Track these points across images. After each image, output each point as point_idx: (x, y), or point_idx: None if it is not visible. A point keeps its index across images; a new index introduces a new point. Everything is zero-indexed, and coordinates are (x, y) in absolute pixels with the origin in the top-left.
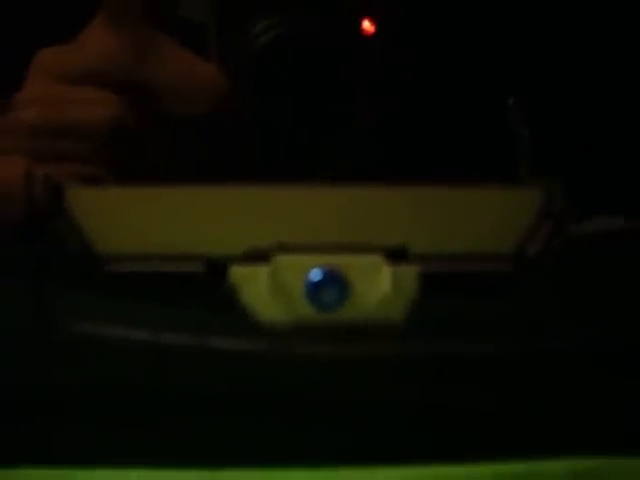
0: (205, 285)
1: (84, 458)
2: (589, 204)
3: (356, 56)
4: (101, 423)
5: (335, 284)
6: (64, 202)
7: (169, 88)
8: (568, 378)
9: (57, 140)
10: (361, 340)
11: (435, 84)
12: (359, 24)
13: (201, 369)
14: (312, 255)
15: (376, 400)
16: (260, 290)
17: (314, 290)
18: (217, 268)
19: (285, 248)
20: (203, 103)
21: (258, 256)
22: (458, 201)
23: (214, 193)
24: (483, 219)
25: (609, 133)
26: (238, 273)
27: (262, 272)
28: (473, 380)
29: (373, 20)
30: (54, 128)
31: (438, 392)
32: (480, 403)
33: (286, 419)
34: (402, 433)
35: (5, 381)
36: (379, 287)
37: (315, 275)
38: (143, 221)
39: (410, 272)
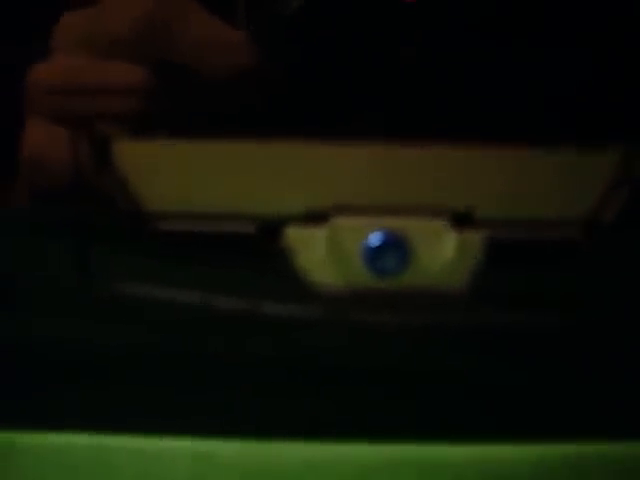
0: (258, 247)
1: (127, 423)
2: None
3: (393, 23)
4: (146, 387)
5: (396, 249)
6: (111, 156)
7: (196, 54)
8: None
9: (81, 102)
10: (421, 308)
11: (483, 44)
12: None
13: (252, 335)
14: (372, 218)
15: (434, 370)
16: (316, 254)
17: (373, 255)
18: (271, 229)
19: (344, 210)
20: (231, 70)
21: (315, 218)
22: (527, 163)
23: (269, 150)
24: (554, 183)
25: None
26: (293, 235)
27: (319, 235)
28: (535, 353)
29: None
30: (79, 90)
31: (497, 364)
32: (540, 377)
33: (342, 388)
34: (459, 405)
35: (49, 339)
36: (442, 253)
37: (375, 239)
38: (194, 178)
39: (475, 238)
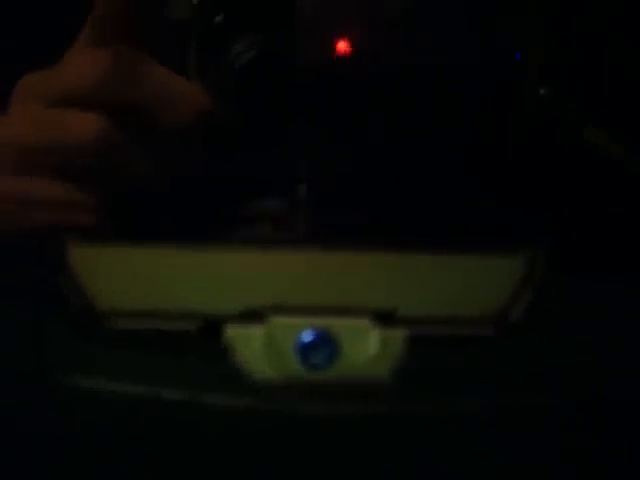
0: (201, 342)
1: None
2: (572, 267)
3: (334, 75)
4: (88, 476)
5: (325, 345)
6: (66, 258)
7: (151, 107)
8: (547, 437)
9: (42, 162)
10: (348, 399)
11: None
12: (335, 43)
13: (193, 424)
14: (304, 317)
15: (363, 457)
16: (253, 349)
17: (305, 350)
18: (212, 327)
19: (278, 309)
20: (184, 121)
21: (252, 316)
22: (443, 267)
23: (212, 254)
24: (468, 284)
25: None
26: (233, 332)
27: (256, 332)
28: (457, 438)
29: (350, 39)
30: (39, 150)
31: (422, 449)
32: (464, 460)
33: (275, 475)
34: None
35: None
36: (367, 349)
37: (306, 336)
38: (142, 279)
39: (397, 335)
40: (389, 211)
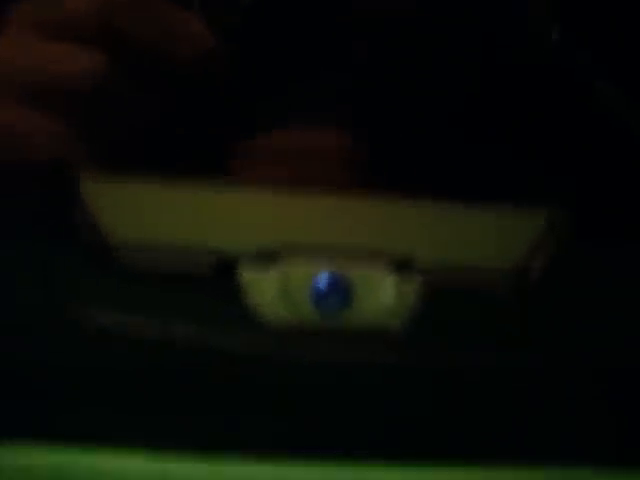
0: (213, 282)
1: (85, 441)
2: (593, 225)
3: (350, 13)
4: (101, 410)
5: (339, 290)
6: (80, 191)
7: (152, 43)
8: (561, 394)
9: (36, 94)
10: (361, 346)
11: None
12: None
13: (202, 364)
14: (319, 260)
15: (371, 405)
16: (267, 291)
17: (319, 295)
18: (226, 266)
19: (294, 252)
20: (187, 57)
21: (267, 257)
22: (465, 217)
23: (228, 192)
24: (489, 236)
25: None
26: (246, 273)
27: (270, 274)
28: (467, 392)
29: None
30: (34, 82)
31: (431, 400)
32: (474, 414)
33: (284, 418)
34: (394, 437)
35: (13, 361)
36: (382, 296)
37: (321, 280)
38: (157, 215)
39: (414, 283)
40: (403, 158)
